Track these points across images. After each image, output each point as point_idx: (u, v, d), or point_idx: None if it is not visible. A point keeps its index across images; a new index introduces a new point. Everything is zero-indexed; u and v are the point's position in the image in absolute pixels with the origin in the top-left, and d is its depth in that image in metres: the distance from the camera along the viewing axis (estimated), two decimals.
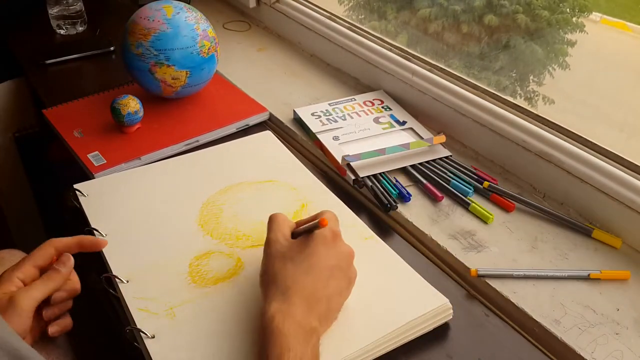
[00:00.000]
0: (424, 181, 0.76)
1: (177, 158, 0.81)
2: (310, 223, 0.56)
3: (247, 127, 0.91)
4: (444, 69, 0.88)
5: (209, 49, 0.87)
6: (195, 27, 0.85)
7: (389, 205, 0.72)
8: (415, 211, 0.73)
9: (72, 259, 0.58)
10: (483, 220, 0.72)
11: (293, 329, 0.48)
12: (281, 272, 0.52)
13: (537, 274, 0.64)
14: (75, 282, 0.59)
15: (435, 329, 0.58)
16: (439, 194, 0.74)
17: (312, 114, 0.89)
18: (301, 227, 0.57)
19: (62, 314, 0.59)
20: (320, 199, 0.73)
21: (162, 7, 0.85)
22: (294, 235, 0.57)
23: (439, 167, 0.79)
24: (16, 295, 0.53)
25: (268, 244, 0.56)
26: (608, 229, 0.69)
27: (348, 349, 0.53)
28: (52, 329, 0.57)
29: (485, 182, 0.75)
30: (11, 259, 0.63)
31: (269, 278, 0.53)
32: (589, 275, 0.63)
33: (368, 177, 0.77)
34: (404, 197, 0.74)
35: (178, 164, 0.80)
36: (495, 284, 0.63)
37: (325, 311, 0.52)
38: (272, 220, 0.58)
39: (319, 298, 0.51)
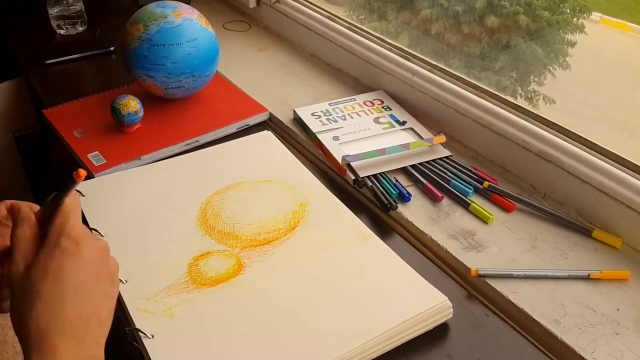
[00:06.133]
0: (424, 181, 0.76)
1: (177, 158, 0.81)
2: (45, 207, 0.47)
3: (247, 127, 0.90)
4: (444, 69, 0.88)
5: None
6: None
7: (389, 205, 0.72)
8: (415, 211, 0.73)
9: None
10: (483, 220, 0.71)
11: None
12: (29, 315, 0.41)
13: (537, 274, 0.63)
14: None
15: (435, 329, 0.58)
16: (439, 193, 0.74)
17: (312, 114, 0.89)
18: (40, 213, 0.48)
19: None
20: (320, 198, 0.73)
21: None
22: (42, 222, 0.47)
23: (439, 167, 0.79)
24: None
25: (12, 267, 0.44)
26: (608, 229, 0.69)
27: (347, 346, 0.53)
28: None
29: (485, 182, 0.75)
30: None
31: (18, 323, 0.42)
32: (589, 275, 0.63)
33: (368, 177, 0.77)
34: (404, 197, 0.74)
35: (178, 164, 0.80)
36: (495, 284, 0.63)
37: (97, 327, 0.44)
38: (12, 238, 0.45)
39: (86, 320, 0.43)
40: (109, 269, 0.47)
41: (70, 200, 0.46)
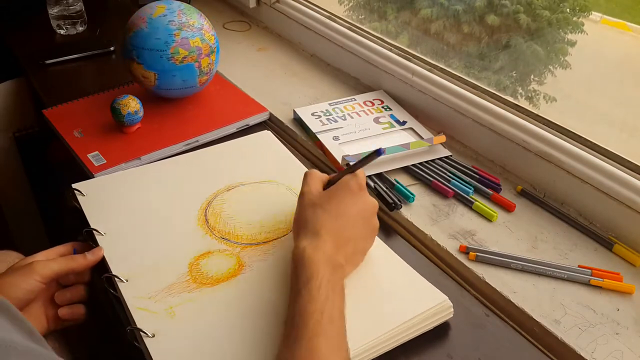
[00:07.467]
0: (431, 179, 0.76)
1: (177, 158, 0.81)
2: (343, 172, 0.62)
3: (247, 127, 0.90)
4: (444, 69, 0.88)
5: (184, 58, 0.84)
6: (174, 32, 0.83)
7: (393, 205, 0.72)
8: (416, 211, 0.73)
9: (102, 252, 0.63)
10: (487, 218, 0.71)
11: (322, 259, 0.53)
12: (312, 217, 0.57)
13: (535, 266, 0.64)
14: (87, 275, 0.64)
15: (435, 329, 0.58)
16: (448, 189, 0.74)
17: (312, 114, 0.89)
18: (334, 176, 0.63)
19: (75, 302, 0.62)
20: None
21: (157, 6, 0.85)
22: (329, 185, 0.62)
23: (439, 167, 0.79)
24: (35, 262, 0.58)
25: (301, 195, 0.61)
26: (608, 229, 0.69)
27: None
28: (62, 311, 0.61)
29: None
30: (7, 259, 0.64)
31: (301, 224, 0.58)
32: (589, 281, 0.63)
33: (369, 176, 0.77)
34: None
35: (178, 163, 0.80)
36: (494, 281, 0.63)
37: (351, 252, 0.58)
38: (306, 175, 0.63)
39: (345, 240, 0.57)
40: (372, 221, 0.61)
41: (362, 171, 0.62)
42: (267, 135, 0.86)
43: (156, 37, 0.83)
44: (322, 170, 0.82)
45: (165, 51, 0.83)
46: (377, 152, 0.58)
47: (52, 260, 0.60)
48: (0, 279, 0.56)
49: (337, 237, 0.56)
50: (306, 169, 0.78)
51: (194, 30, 0.85)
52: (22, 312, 0.56)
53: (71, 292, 0.62)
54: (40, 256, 0.62)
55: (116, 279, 0.61)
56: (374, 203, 0.61)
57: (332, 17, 1.07)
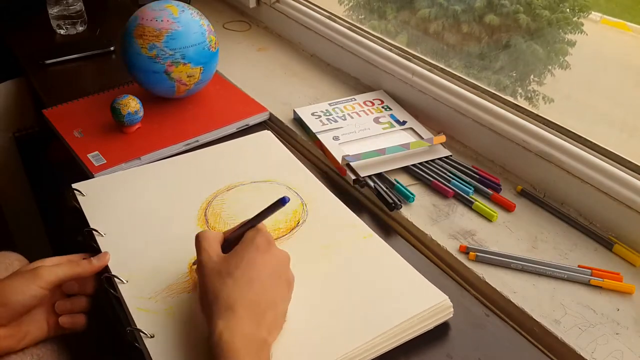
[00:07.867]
0: (431, 179, 0.76)
1: (177, 158, 0.81)
2: (242, 227, 0.56)
3: (247, 127, 0.91)
4: (444, 69, 0.88)
5: (215, 42, 0.89)
6: (201, 22, 0.87)
7: (393, 205, 0.72)
8: (416, 211, 0.73)
9: (107, 257, 0.62)
10: (487, 218, 0.71)
11: (243, 343, 0.46)
12: (222, 290, 0.50)
13: (535, 266, 0.64)
14: (91, 285, 0.63)
15: (435, 329, 0.58)
16: (448, 189, 0.74)
17: (312, 114, 0.89)
18: (230, 233, 0.56)
19: (77, 312, 0.62)
20: (320, 198, 0.73)
21: (165, 6, 0.85)
22: (227, 243, 0.56)
23: (439, 167, 0.79)
24: (41, 267, 0.57)
25: (200, 265, 0.53)
26: (608, 229, 0.69)
27: (347, 346, 0.53)
28: (63, 319, 0.61)
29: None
30: (7, 260, 0.64)
31: (210, 299, 0.50)
32: (589, 281, 0.63)
33: (369, 176, 0.77)
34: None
35: (178, 163, 0.80)
36: (494, 281, 0.63)
37: (272, 320, 0.51)
38: (198, 239, 0.55)
39: (264, 308, 0.50)
40: (288, 276, 0.55)
41: (267, 221, 0.56)
42: (267, 135, 0.86)
43: (194, 31, 0.85)
44: (322, 171, 0.83)
45: (205, 42, 0.87)
46: (282, 201, 0.53)
47: (57, 266, 0.59)
48: (4, 283, 0.56)
49: (254, 309, 0.49)
50: (307, 169, 0.78)
51: (205, 17, 0.89)
52: (24, 316, 0.57)
53: (72, 302, 0.61)
54: (48, 262, 0.61)
55: (116, 279, 0.61)
56: (285, 256, 0.55)
57: (332, 17, 1.07)
